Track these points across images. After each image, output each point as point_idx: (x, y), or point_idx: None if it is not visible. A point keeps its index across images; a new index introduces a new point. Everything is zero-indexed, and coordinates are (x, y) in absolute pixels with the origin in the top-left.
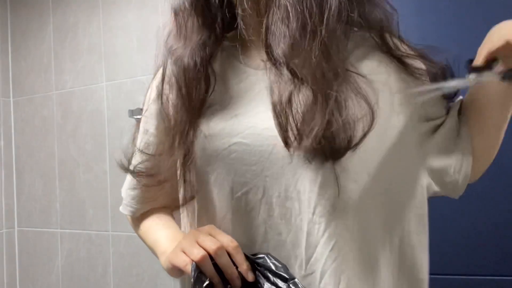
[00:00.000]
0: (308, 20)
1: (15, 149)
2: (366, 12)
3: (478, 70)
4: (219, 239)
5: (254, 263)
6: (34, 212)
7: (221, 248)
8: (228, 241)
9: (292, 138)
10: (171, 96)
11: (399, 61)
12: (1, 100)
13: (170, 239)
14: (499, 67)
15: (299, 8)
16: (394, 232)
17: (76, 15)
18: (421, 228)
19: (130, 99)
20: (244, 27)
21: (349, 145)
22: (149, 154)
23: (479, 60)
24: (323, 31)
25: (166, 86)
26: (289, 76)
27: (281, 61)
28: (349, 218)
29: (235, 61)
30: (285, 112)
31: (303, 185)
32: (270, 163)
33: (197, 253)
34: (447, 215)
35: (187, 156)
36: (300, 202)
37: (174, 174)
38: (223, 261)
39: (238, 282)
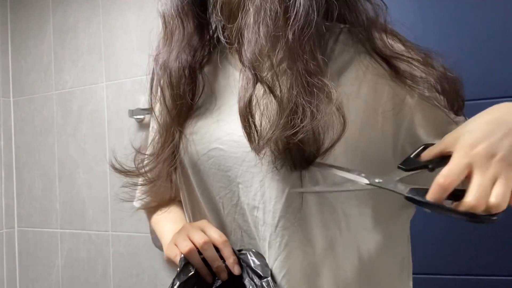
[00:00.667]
0: (272, 24)
1: (15, 149)
2: (348, 9)
3: (417, 165)
4: (208, 234)
5: (239, 258)
6: (34, 212)
7: (208, 242)
8: (217, 236)
9: (256, 142)
10: (161, 100)
11: (388, 65)
12: (1, 100)
13: (174, 232)
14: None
15: (263, 12)
16: (363, 251)
17: (76, 15)
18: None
19: (130, 99)
20: (221, 31)
21: (317, 153)
22: (144, 154)
23: (428, 154)
24: (289, 35)
25: (155, 90)
26: (253, 80)
27: (248, 65)
28: (313, 233)
29: (226, 64)
30: (248, 116)
31: (270, 196)
32: (243, 170)
33: (185, 246)
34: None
35: (174, 158)
36: (265, 212)
37: (164, 175)
38: (209, 254)
39: (224, 275)
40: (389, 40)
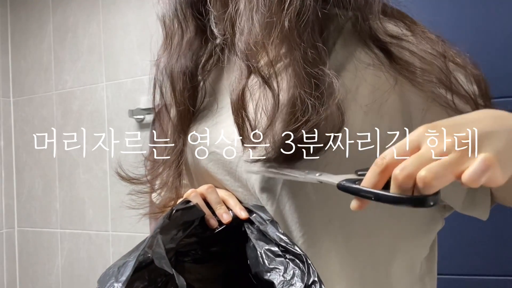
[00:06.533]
0: (266, 11)
1: (15, 149)
2: None
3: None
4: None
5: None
6: (34, 212)
7: (212, 187)
8: (223, 191)
9: (250, 142)
10: (164, 107)
11: (389, 56)
12: (1, 100)
13: None
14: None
15: None
16: (367, 267)
17: (76, 14)
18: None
19: (130, 99)
20: (215, 27)
21: (315, 152)
22: (151, 158)
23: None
24: (285, 22)
25: (158, 96)
26: (247, 71)
27: (241, 55)
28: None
29: (232, 64)
30: (241, 109)
31: (263, 203)
32: (238, 176)
33: (188, 192)
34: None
35: (179, 164)
36: None
37: (169, 183)
38: (212, 197)
39: (227, 217)
40: (388, 25)
